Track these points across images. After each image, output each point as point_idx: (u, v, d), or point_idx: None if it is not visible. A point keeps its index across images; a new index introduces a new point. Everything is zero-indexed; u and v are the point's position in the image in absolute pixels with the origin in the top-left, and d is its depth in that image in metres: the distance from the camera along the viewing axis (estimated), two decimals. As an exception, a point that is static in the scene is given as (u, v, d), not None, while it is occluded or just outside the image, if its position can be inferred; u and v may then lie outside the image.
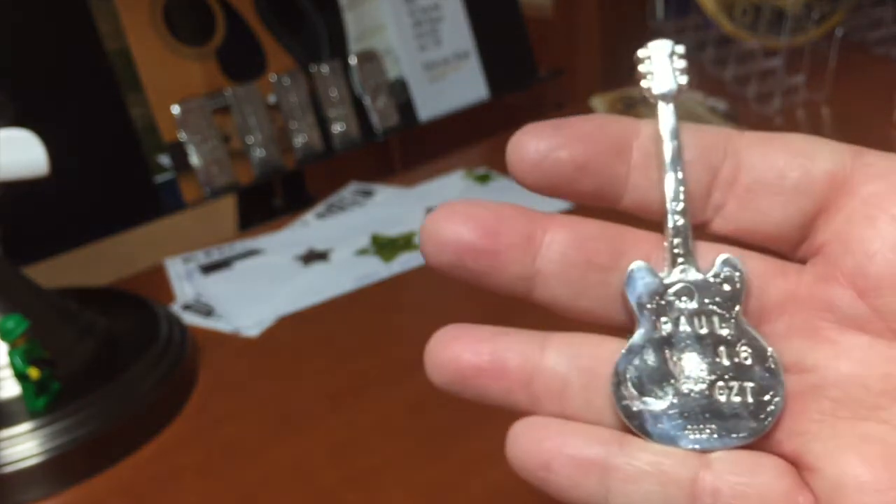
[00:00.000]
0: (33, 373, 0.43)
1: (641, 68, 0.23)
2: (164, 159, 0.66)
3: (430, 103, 0.79)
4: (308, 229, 0.68)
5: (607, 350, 0.23)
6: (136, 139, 0.65)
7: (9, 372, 0.44)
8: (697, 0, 0.85)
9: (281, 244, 0.66)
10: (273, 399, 0.49)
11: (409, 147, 0.91)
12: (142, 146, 0.65)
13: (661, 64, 0.23)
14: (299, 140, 0.72)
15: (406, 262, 0.61)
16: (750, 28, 0.83)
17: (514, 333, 0.23)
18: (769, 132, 0.22)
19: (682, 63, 0.23)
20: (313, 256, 0.63)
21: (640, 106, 0.78)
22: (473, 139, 0.79)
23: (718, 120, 0.72)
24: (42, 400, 0.44)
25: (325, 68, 0.73)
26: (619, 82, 0.81)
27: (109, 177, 0.65)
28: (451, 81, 0.80)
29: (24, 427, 0.43)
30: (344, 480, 0.42)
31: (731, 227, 0.22)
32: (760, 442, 0.22)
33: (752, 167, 0.22)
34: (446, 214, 0.22)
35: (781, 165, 0.22)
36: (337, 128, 0.74)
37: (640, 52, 0.23)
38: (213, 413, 0.48)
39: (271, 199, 0.84)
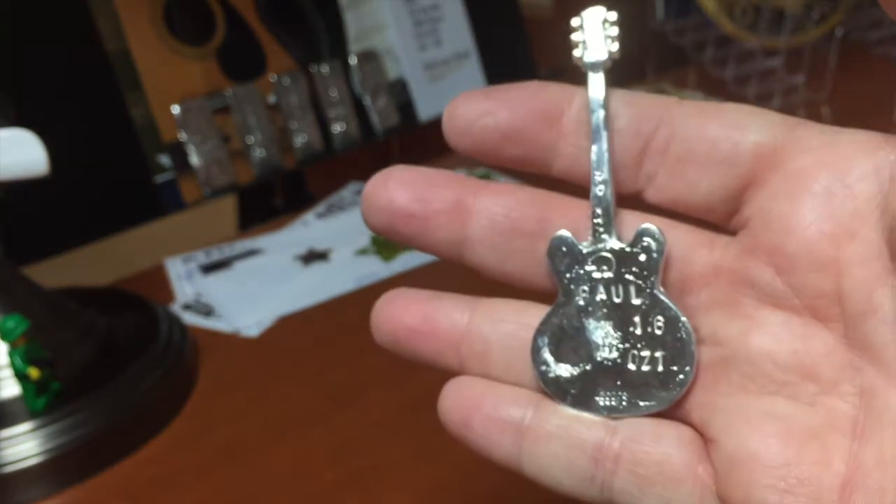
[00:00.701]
0: (33, 373, 0.43)
1: (574, 37, 0.23)
2: (165, 159, 0.66)
3: (431, 103, 0.79)
4: (308, 229, 0.68)
5: (530, 316, 0.23)
6: (137, 139, 0.65)
7: (9, 372, 0.44)
8: (698, 0, 0.85)
9: (281, 244, 0.66)
10: (273, 399, 0.49)
11: (409, 147, 0.91)
12: (142, 146, 0.65)
13: (594, 32, 0.22)
14: (299, 140, 0.72)
15: (406, 262, 0.61)
16: (750, 28, 0.83)
17: (447, 298, 0.24)
18: (708, 102, 0.22)
19: (615, 31, 0.22)
20: (313, 256, 0.63)
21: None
22: (473, 139, 0.79)
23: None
24: (42, 400, 0.44)
25: (325, 68, 0.73)
26: (618, 82, 0.81)
27: (109, 177, 0.65)
28: (452, 81, 0.80)
29: (24, 427, 0.43)
30: (344, 480, 0.42)
31: (662, 197, 0.22)
32: (671, 411, 0.22)
33: (684, 138, 0.22)
34: (382, 180, 0.23)
35: (712, 136, 0.21)
36: (337, 128, 0.74)
37: (573, 21, 0.23)
38: (212, 413, 0.48)
39: (271, 198, 0.84)
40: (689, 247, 0.22)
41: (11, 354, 0.43)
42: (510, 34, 0.85)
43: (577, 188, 0.23)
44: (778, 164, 0.21)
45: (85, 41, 0.63)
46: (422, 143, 0.88)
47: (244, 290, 0.59)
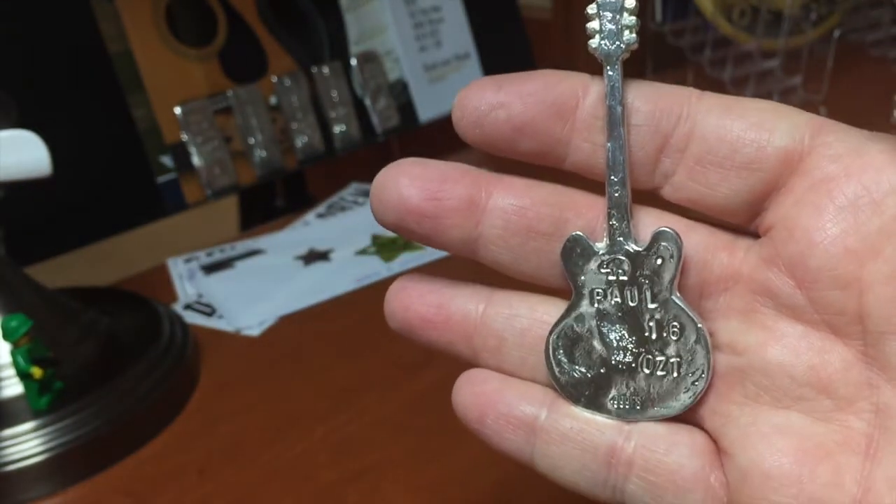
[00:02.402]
0: (36, 372, 0.43)
1: (589, 26, 0.21)
2: (167, 160, 0.66)
3: (431, 104, 0.79)
4: (309, 229, 0.68)
5: (544, 311, 0.23)
6: (139, 140, 0.65)
7: (11, 371, 0.45)
8: (696, 2, 0.85)
9: (282, 244, 0.66)
10: (274, 398, 0.49)
11: (409, 148, 0.91)
12: (144, 147, 0.65)
13: (610, 21, 0.21)
14: (300, 141, 0.72)
15: (406, 262, 0.62)
16: (748, 29, 0.84)
17: (462, 287, 0.24)
18: (732, 97, 0.21)
19: (632, 20, 0.21)
20: (314, 256, 0.64)
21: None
22: (473, 140, 0.79)
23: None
24: (44, 399, 0.44)
25: (325, 69, 0.73)
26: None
27: (111, 177, 0.65)
28: (452, 82, 0.80)
29: (27, 426, 0.44)
30: (344, 479, 0.43)
31: (679, 196, 0.22)
32: (685, 416, 0.22)
33: (704, 137, 0.21)
34: (393, 174, 0.22)
35: (734, 139, 0.21)
36: (338, 129, 0.74)
37: (589, 8, 0.21)
38: (214, 412, 0.48)
39: (272, 199, 0.84)
40: (708, 249, 0.22)
41: (14, 354, 0.43)
42: (510, 35, 0.86)
43: (593, 182, 0.22)
44: (804, 170, 0.20)
45: (87, 43, 0.63)
46: (422, 143, 0.89)
47: (245, 290, 0.60)
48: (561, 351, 0.23)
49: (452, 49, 0.81)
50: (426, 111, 0.79)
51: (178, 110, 0.66)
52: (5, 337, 0.44)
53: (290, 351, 0.54)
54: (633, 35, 0.21)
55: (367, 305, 0.58)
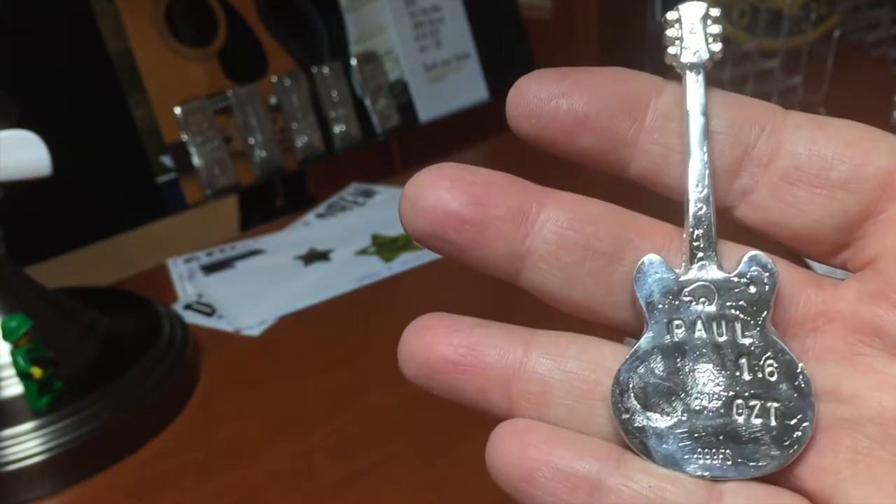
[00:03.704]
0: (36, 372, 0.43)
1: (669, 33, 0.20)
2: (167, 160, 0.66)
3: (431, 104, 0.79)
4: (309, 229, 0.68)
5: (598, 354, 0.20)
6: (139, 140, 0.65)
7: (12, 371, 0.45)
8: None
9: (282, 244, 0.66)
10: (274, 398, 0.49)
11: (409, 148, 0.92)
12: (144, 147, 0.65)
13: (693, 29, 0.20)
14: (300, 141, 0.72)
15: (406, 262, 0.62)
16: (748, 29, 0.84)
17: (496, 327, 0.20)
18: (821, 115, 0.20)
19: (717, 28, 0.20)
20: (314, 256, 0.64)
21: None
22: (473, 140, 0.80)
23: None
24: (45, 399, 0.44)
25: (325, 69, 0.73)
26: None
27: (112, 177, 0.65)
28: (452, 82, 0.80)
29: (27, 426, 0.44)
30: (344, 480, 0.43)
31: (758, 217, 0.19)
32: (779, 475, 0.19)
33: (793, 152, 0.19)
34: (431, 177, 0.19)
35: (830, 155, 0.19)
36: (338, 129, 0.74)
37: (669, 15, 0.20)
38: (214, 412, 0.48)
39: (273, 199, 0.84)
40: (793, 283, 0.19)
41: (14, 354, 0.43)
42: (510, 35, 0.86)
43: (653, 205, 0.20)
44: None
45: (87, 43, 0.63)
46: (422, 143, 0.89)
47: (245, 290, 0.60)
48: (631, 395, 0.19)
49: (452, 49, 0.81)
50: (426, 111, 0.79)
51: (178, 110, 0.66)
52: (5, 337, 0.44)
53: (290, 351, 0.54)
54: (719, 45, 0.20)
55: (367, 305, 0.58)
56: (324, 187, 0.77)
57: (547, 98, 0.19)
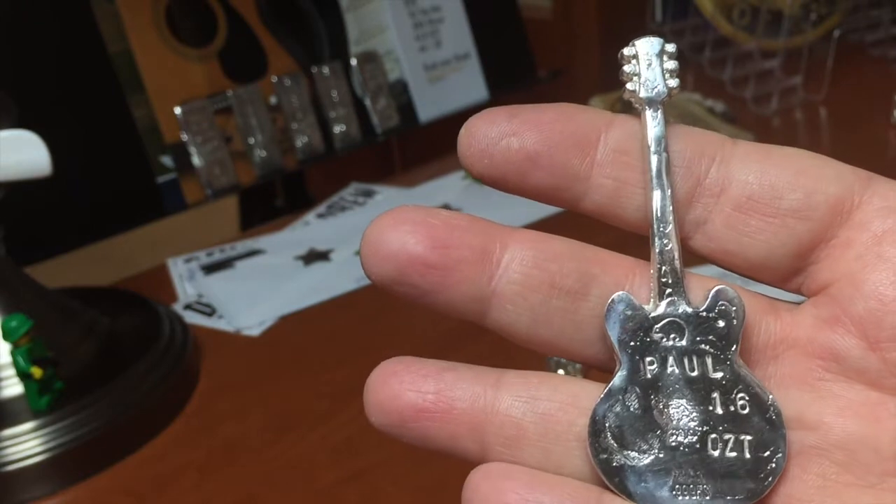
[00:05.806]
0: (36, 372, 0.44)
1: (627, 69, 0.20)
2: (167, 160, 0.66)
3: (431, 104, 0.79)
4: (309, 229, 0.68)
5: (569, 394, 0.20)
6: (139, 140, 0.65)
7: (11, 371, 0.45)
8: (696, 2, 0.85)
9: (282, 244, 0.66)
10: (274, 398, 0.49)
11: (409, 148, 0.92)
12: (144, 147, 0.65)
13: (649, 64, 0.20)
14: (300, 141, 0.72)
15: (406, 262, 0.62)
16: (748, 29, 0.84)
17: (464, 370, 0.20)
18: (768, 144, 0.20)
19: (673, 64, 0.20)
20: (314, 256, 0.64)
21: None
22: (473, 140, 0.79)
23: (716, 121, 0.72)
24: (45, 399, 0.44)
25: (325, 69, 0.73)
26: (618, 83, 0.82)
27: (112, 177, 0.65)
28: (452, 82, 0.80)
29: (27, 426, 0.44)
30: (344, 480, 0.43)
31: (713, 248, 0.20)
32: None
33: (744, 181, 0.19)
34: (391, 221, 0.19)
35: (780, 184, 0.19)
36: (338, 128, 0.74)
37: (626, 51, 0.20)
38: (214, 412, 0.48)
39: (272, 199, 0.84)
40: (753, 312, 0.20)
41: (14, 354, 0.44)
42: (510, 35, 0.86)
43: (610, 239, 0.20)
44: (859, 222, 0.19)
45: (87, 43, 0.63)
46: (422, 143, 0.89)
47: (245, 290, 0.60)
48: (608, 434, 0.19)
49: (452, 49, 0.81)
50: (426, 111, 0.79)
51: (178, 110, 0.66)
52: (5, 337, 0.44)
53: (290, 351, 0.54)
54: (676, 80, 0.20)
55: (367, 305, 0.58)
56: (324, 187, 0.77)
57: (497, 137, 0.19)
